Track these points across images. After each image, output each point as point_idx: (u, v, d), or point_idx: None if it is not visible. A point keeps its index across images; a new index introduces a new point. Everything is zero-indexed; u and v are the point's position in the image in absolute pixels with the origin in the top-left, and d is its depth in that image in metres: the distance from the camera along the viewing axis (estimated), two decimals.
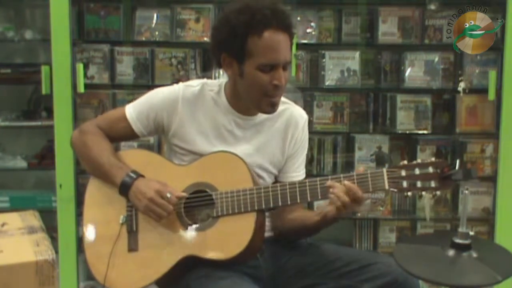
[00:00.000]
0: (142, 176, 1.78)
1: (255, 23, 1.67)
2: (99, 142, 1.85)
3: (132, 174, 1.77)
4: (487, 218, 3.04)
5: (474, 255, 1.48)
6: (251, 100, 1.77)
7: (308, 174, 1.96)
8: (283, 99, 1.90)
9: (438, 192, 1.65)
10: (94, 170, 1.85)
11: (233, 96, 1.81)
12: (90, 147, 1.84)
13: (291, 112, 1.89)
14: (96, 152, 1.83)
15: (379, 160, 3.07)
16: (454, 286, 1.49)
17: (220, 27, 1.75)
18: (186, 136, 1.82)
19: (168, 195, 1.72)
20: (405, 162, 1.68)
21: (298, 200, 1.72)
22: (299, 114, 1.91)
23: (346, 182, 1.65)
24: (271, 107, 1.76)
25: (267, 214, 1.80)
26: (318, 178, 1.71)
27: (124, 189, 1.76)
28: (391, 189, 1.66)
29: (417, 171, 1.65)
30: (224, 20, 1.74)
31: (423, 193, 1.65)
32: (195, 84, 1.86)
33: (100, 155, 1.82)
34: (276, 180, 1.90)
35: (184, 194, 1.75)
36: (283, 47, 1.70)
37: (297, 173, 1.90)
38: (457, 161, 1.63)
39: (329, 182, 1.67)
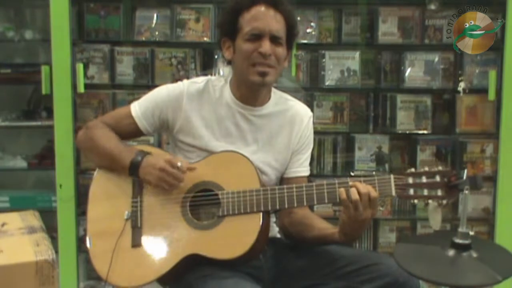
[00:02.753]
0: (150, 153, 1.80)
1: (245, 1, 1.77)
2: (106, 133, 1.86)
3: (141, 153, 1.78)
4: (487, 218, 3.04)
5: (474, 255, 1.48)
6: (242, 74, 1.79)
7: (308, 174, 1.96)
8: (287, 96, 1.93)
9: (444, 201, 1.65)
10: (103, 159, 1.86)
11: (236, 85, 1.84)
12: (97, 139, 1.85)
13: (296, 109, 1.92)
14: (104, 141, 1.84)
15: (379, 160, 3.07)
16: (454, 286, 1.48)
17: (221, 14, 1.87)
18: (192, 131, 1.83)
19: (179, 164, 1.72)
20: (413, 170, 1.68)
21: (305, 203, 1.72)
22: (304, 111, 1.93)
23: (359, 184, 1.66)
24: (259, 76, 1.77)
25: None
26: (325, 181, 1.71)
27: (134, 167, 1.77)
28: (398, 196, 1.66)
29: (423, 179, 1.66)
30: (225, 7, 1.86)
31: (430, 201, 1.65)
32: (199, 80, 1.88)
33: (108, 143, 1.83)
34: (281, 177, 1.91)
35: (194, 166, 1.76)
36: (269, 18, 1.76)
37: (302, 168, 1.91)
38: (465, 171, 1.62)
39: (351, 183, 1.66)
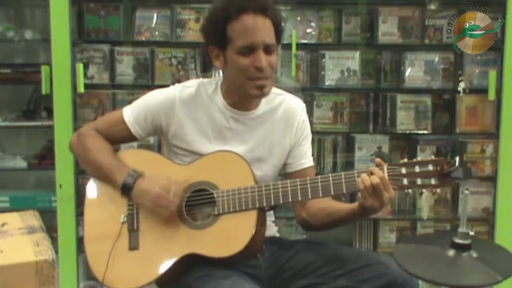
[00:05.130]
0: (141, 174, 1.78)
1: (232, 8, 1.70)
2: (98, 143, 1.85)
3: (132, 173, 1.77)
4: (487, 218, 3.04)
5: (474, 255, 1.48)
6: (238, 87, 1.77)
7: None
8: (278, 90, 1.92)
9: (438, 190, 1.66)
10: (95, 172, 1.86)
11: (228, 92, 1.83)
12: (89, 149, 1.84)
13: (288, 102, 1.91)
14: (95, 154, 1.83)
15: None
16: (454, 286, 1.49)
17: (205, 20, 1.81)
18: (185, 137, 1.83)
19: (173, 191, 1.72)
20: (405, 160, 1.69)
21: (299, 198, 1.72)
22: (296, 103, 1.93)
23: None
24: (259, 90, 1.75)
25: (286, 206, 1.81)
26: (319, 176, 1.71)
27: (127, 190, 1.76)
28: (391, 186, 1.66)
29: (417, 169, 1.66)
30: (208, 13, 1.81)
31: (423, 190, 1.66)
32: (191, 84, 1.87)
33: (99, 156, 1.82)
34: (287, 172, 1.91)
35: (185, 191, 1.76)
36: (261, 29, 1.71)
37: (306, 159, 1.91)
38: (457, 159, 1.63)
39: (372, 168, 1.67)
